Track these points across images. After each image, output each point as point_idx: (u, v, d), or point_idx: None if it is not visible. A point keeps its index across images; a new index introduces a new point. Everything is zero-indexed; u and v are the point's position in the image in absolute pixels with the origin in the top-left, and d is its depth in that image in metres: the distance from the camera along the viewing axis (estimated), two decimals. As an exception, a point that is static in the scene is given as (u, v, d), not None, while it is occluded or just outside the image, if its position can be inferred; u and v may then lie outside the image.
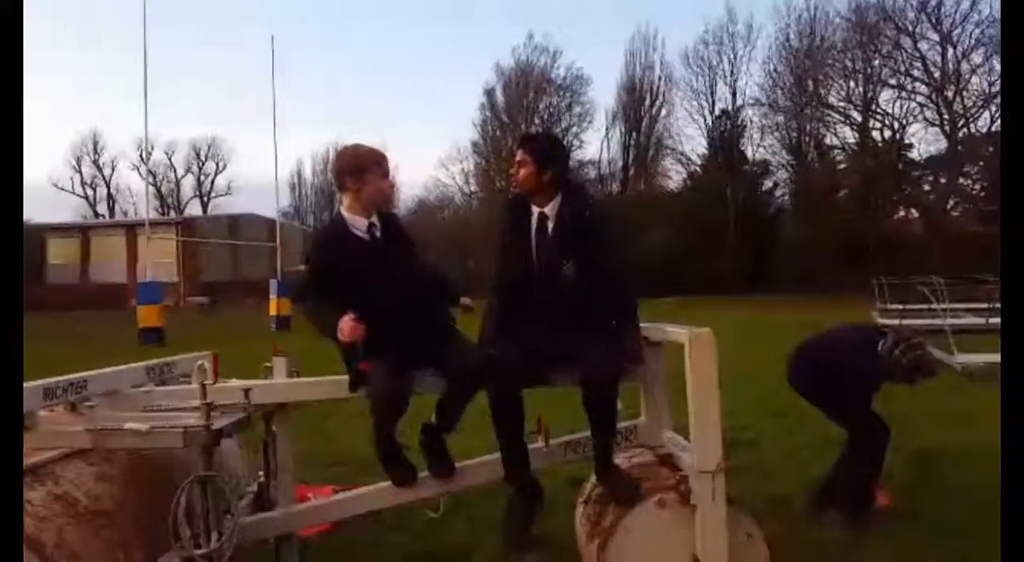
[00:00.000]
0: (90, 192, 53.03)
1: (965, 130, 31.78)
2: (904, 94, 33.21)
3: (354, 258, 2.92)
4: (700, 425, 2.54)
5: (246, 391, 2.85)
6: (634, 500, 2.62)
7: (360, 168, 2.96)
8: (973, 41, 30.73)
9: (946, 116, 32.04)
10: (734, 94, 37.59)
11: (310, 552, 3.34)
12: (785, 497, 4.10)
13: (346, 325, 2.72)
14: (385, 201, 3.06)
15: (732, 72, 37.53)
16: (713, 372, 2.55)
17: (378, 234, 2.99)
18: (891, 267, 21.82)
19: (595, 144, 53.40)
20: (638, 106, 40.09)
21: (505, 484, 3.00)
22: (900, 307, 14.98)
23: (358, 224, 2.97)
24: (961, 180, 32.45)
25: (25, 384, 2.56)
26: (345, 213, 3.00)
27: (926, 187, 34.55)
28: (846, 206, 34.08)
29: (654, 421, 3.05)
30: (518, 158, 2.99)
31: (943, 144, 32.65)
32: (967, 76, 31.28)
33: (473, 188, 42.86)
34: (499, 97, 41.12)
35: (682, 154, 39.28)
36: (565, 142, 38.39)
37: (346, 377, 2.91)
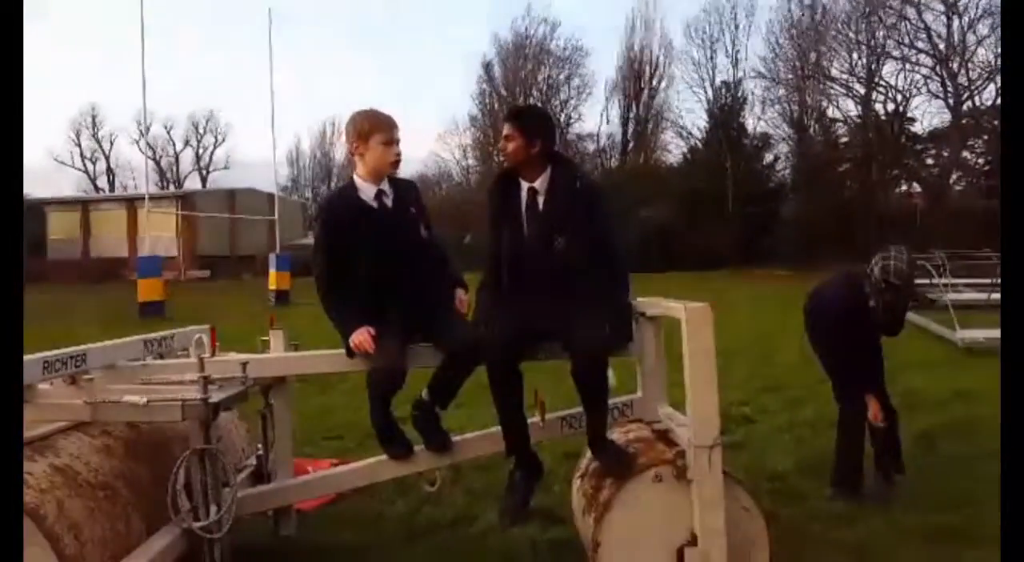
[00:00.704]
0: (90, 166, 53.02)
1: (969, 103, 31.43)
2: (908, 66, 32.84)
3: (359, 224, 2.91)
4: (697, 400, 2.54)
5: (243, 364, 2.85)
6: (630, 474, 2.64)
7: (366, 132, 2.93)
8: (980, 11, 30.20)
9: (950, 88, 31.67)
10: (735, 66, 37.18)
11: (308, 524, 3.38)
12: (783, 473, 4.13)
13: (359, 337, 2.76)
14: (389, 168, 2.99)
15: (733, 44, 37.09)
16: (711, 346, 2.55)
17: (388, 202, 2.97)
18: (893, 241, 21.74)
19: (594, 117, 53.05)
20: (638, 78, 39.67)
21: (502, 457, 3.02)
22: (900, 282, 14.91)
23: (367, 191, 2.95)
24: (965, 154, 32.18)
25: (25, 357, 2.57)
26: (357, 179, 2.98)
27: (929, 161, 34.29)
28: (848, 180, 33.87)
29: (651, 396, 3.06)
30: (506, 132, 2.94)
31: (947, 117, 32.34)
32: (972, 47, 30.85)
33: (471, 162, 42.63)
34: (497, 70, 40.71)
35: (682, 128, 38.98)
36: (563, 115, 38.34)
37: (343, 351, 2.91)
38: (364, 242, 2.90)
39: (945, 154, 32.53)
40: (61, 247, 37.13)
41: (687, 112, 40.61)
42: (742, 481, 2.71)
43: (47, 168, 49.74)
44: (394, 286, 2.91)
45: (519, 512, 2.99)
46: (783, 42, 35.16)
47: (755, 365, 7.61)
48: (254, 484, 3.10)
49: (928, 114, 35.43)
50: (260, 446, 3.23)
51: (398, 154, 2.98)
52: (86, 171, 52.80)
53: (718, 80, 37.49)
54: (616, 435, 2.94)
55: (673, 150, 40.03)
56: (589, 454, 2.94)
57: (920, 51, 32.30)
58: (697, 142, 38.50)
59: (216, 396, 2.58)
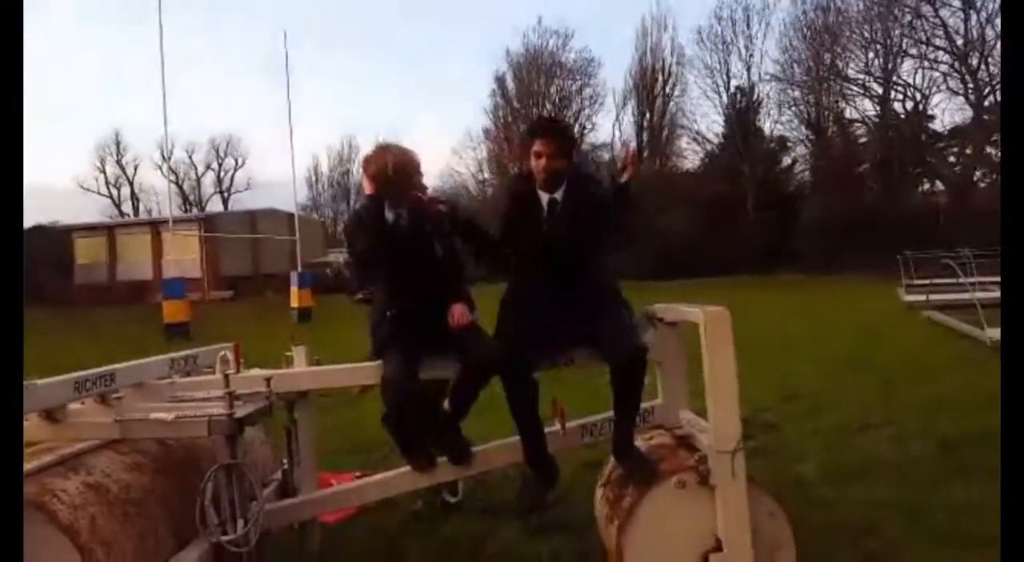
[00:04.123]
0: (115, 192, 54.08)
1: (991, 98, 30.98)
2: (926, 64, 32.51)
3: (380, 240, 3.00)
4: (718, 404, 2.54)
5: (267, 379, 2.90)
6: (653, 481, 2.63)
7: (394, 181, 3.00)
8: (998, 5, 29.81)
9: (970, 85, 31.28)
10: (749, 70, 37.04)
11: (333, 537, 3.41)
12: (808, 479, 4.09)
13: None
14: (417, 202, 3.08)
15: (747, 48, 36.96)
16: (730, 351, 2.54)
17: (403, 222, 3.04)
18: (917, 241, 21.46)
19: (607, 127, 53.07)
20: (651, 86, 39.67)
21: (523, 468, 3.03)
22: (927, 282, 14.76)
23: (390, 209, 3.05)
24: (988, 150, 31.68)
25: (56, 378, 2.65)
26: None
27: (951, 159, 33.82)
28: (868, 180, 33.51)
29: (672, 402, 3.06)
30: (538, 148, 2.90)
31: (968, 113, 31.92)
32: (992, 42, 30.42)
33: (487, 175, 42.82)
34: (509, 83, 40.95)
35: (698, 133, 38.87)
36: (577, 125, 38.43)
37: (364, 364, 2.96)
38: (384, 256, 3.00)
39: (968, 151, 32.07)
40: (88, 272, 37.78)
41: (702, 117, 40.44)
42: (767, 486, 2.69)
43: (73, 195, 50.85)
44: (408, 299, 2.96)
45: (534, 508, 3.03)
46: (797, 44, 35.03)
47: (776, 372, 7.53)
48: (280, 498, 3.14)
49: (949, 111, 34.99)
50: (285, 461, 3.27)
51: (425, 188, 3.10)
52: (111, 197, 53.96)
53: (733, 84, 37.41)
54: (638, 442, 2.94)
55: (690, 156, 39.94)
56: (612, 461, 2.94)
57: (938, 48, 32.00)
58: (714, 148, 38.38)
59: (241, 411, 2.63)
